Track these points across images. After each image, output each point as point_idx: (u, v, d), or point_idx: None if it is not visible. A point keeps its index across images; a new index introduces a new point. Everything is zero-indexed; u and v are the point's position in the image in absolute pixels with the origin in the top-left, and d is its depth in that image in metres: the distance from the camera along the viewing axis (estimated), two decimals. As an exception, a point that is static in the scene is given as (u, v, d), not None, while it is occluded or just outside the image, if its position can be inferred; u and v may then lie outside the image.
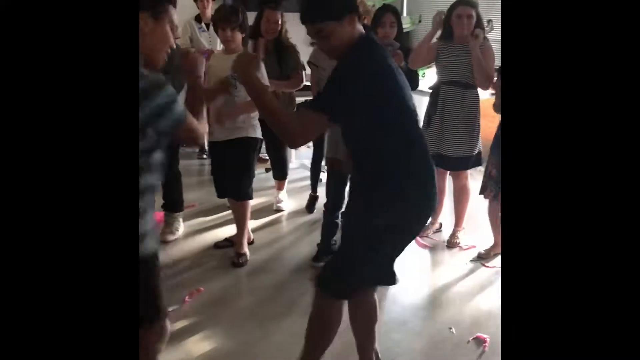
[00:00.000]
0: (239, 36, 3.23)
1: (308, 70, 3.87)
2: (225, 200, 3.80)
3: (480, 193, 3.48)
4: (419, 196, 1.95)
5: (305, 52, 3.72)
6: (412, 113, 1.95)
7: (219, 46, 4.26)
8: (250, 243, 3.60)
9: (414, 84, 3.55)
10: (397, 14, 3.55)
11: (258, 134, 3.37)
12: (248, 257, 3.43)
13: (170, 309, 2.33)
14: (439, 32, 3.55)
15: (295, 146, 2.05)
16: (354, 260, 1.98)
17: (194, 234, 3.81)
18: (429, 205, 1.99)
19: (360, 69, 1.82)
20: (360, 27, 1.91)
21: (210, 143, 3.38)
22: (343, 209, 3.53)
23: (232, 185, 3.35)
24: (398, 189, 1.92)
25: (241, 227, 3.44)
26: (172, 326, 2.02)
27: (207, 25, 4.98)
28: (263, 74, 3.25)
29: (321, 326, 2.11)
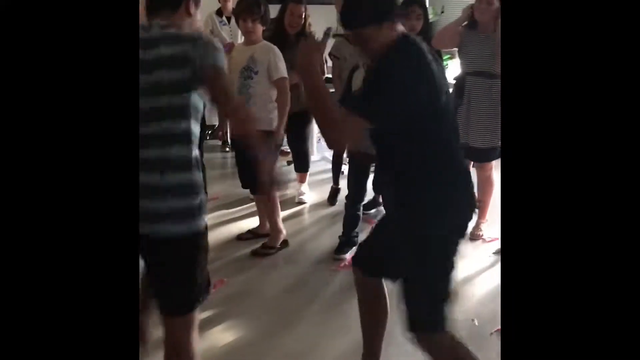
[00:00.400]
0: (260, 28, 3.25)
1: (329, 63, 3.86)
2: (248, 193, 3.82)
3: None
4: (461, 202, 1.93)
5: (327, 44, 3.70)
6: (450, 114, 1.93)
7: (240, 40, 4.28)
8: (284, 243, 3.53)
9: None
10: (423, 6, 3.52)
11: (278, 126, 3.37)
12: (273, 251, 3.43)
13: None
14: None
15: (337, 148, 2.03)
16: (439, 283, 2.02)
17: (217, 226, 3.84)
18: (469, 211, 1.98)
19: (399, 74, 1.77)
20: (400, 28, 1.88)
21: (232, 135, 3.39)
22: (365, 201, 3.54)
23: (251, 178, 3.35)
24: (442, 196, 1.87)
25: (270, 220, 3.44)
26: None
27: (228, 19, 5.00)
28: (280, 68, 3.24)
29: None
